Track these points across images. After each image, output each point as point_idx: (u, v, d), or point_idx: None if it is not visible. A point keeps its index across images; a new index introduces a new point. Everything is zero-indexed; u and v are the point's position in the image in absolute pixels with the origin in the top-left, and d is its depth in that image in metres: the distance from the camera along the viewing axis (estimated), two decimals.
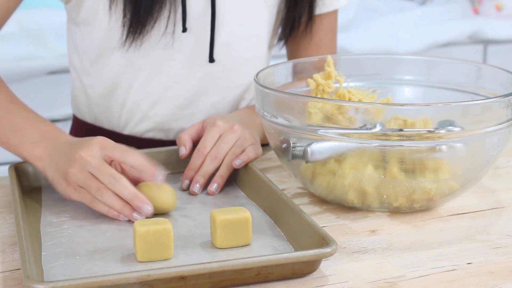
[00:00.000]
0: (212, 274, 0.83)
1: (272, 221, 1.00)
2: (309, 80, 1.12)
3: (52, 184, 1.04)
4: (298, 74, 1.19)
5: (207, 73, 1.27)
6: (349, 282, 0.86)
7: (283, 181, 1.16)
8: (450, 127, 0.96)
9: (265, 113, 1.06)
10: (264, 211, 1.03)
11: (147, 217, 0.99)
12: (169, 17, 1.21)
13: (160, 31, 1.22)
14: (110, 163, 1.01)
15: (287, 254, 0.85)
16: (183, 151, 1.15)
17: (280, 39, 1.34)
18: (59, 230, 0.97)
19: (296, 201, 1.08)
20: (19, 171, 1.11)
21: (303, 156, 0.99)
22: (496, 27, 2.91)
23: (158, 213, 1.01)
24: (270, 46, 1.34)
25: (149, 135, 1.31)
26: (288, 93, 1.05)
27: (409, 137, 0.96)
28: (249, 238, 0.93)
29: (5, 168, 1.22)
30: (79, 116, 1.35)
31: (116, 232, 0.97)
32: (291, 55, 1.38)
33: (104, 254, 0.91)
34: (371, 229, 1.00)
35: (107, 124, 1.31)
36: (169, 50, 1.23)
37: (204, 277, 0.83)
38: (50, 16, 2.55)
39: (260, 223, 0.99)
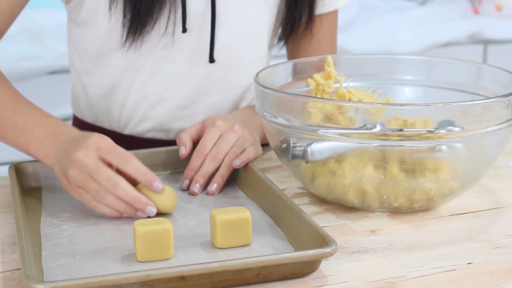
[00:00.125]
0: (212, 274, 0.83)
1: (272, 221, 1.00)
2: (309, 80, 1.12)
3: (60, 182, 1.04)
4: (298, 74, 1.19)
5: (207, 73, 1.27)
6: (349, 282, 0.86)
7: (283, 181, 1.16)
8: (450, 127, 0.96)
9: (265, 113, 1.06)
10: (264, 211, 1.03)
11: (149, 217, 0.99)
12: (169, 17, 1.21)
13: (160, 31, 1.22)
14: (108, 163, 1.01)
15: (287, 254, 0.85)
16: (183, 151, 1.15)
17: (280, 39, 1.34)
18: (59, 230, 0.97)
19: (296, 201, 1.08)
20: (19, 171, 1.11)
21: (303, 156, 0.99)
22: (496, 27, 2.91)
23: (158, 214, 1.01)
24: (270, 46, 1.34)
25: (150, 135, 1.31)
26: (288, 93, 1.05)
27: (409, 137, 0.96)
28: (249, 238, 0.93)
29: (5, 168, 1.22)
30: (79, 116, 1.35)
31: (116, 232, 0.97)
32: (291, 55, 1.38)
33: (104, 254, 0.91)
34: (371, 229, 1.00)
35: (107, 124, 1.31)
36: (169, 50, 1.23)
37: (204, 277, 0.83)
38: (50, 16, 2.55)
39: (260, 223, 0.99)
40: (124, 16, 1.20)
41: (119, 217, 1.00)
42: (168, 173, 1.17)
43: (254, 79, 1.08)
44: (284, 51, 1.39)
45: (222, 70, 1.27)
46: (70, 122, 1.44)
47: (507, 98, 0.99)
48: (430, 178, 1.00)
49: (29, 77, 2.36)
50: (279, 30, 1.34)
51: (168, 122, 1.30)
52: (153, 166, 1.14)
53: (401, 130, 0.96)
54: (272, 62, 1.27)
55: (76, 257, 0.90)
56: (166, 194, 1.01)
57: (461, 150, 1.00)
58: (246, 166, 1.12)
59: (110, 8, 1.20)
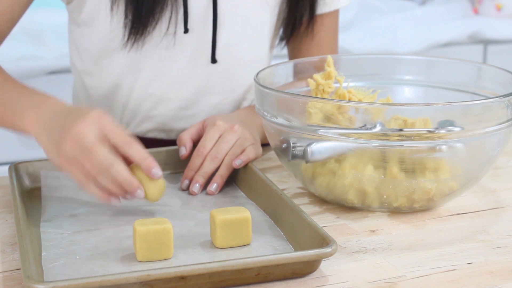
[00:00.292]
0: (212, 274, 0.83)
1: (272, 221, 1.00)
2: (309, 80, 1.12)
3: (45, 152, 0.99)
4: (298, 74, 1.19)
5: (209, 73, 1.27)
6: (349, 282, 0.86)
7: (283, 181, 1.16)
8: (450, 127, 0.96)
9: (265, 113, 1.06)
10: (264, 211, 1.03)
11: (147, 218, 0.98)
12: (170, 18, 1.21)
13: (162, 32, 1.22)
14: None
15: (287, 254, 0.85)
16: (183, 151, 1.15)
17: (281, 39, 1.34)
18: (59, 230, 0.97)
19: (296, 201, 1.08)
20: (19, 171, 1.11)
21: (303, 156, 0.99)
22: (496, 27, 2.90)
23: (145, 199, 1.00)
24: (272, 47, 1.34)
25: (151, 135, 1.31)
26: (288, 93, 1.05)
27: (409, 137, 0.96)
28: (249, 238, 0.93)
29: (5, 168, 1.22)
30: None
31: (116, 232, 0.97)
32: (292, 55, 1.38)
33: (104, 254, 0.91)
34: (371, 229, 1.00)
35: None
36: (170, 51, 1.24)
37: (204, 277, 0.83)
38: (50, 16, 2.54)
39: (260, 223, 0.99)
40: (126, 17, 1.20)
41: (106, 202, 0.96)
42: (168, 173, 1.17)
43: (254, 79, 1.08)
44: (285, 51, 1.39)
45: (223, 70, 1.27)
46: None
47: (507, 98, 0.99)
48: (430, 178, 1.00)
49: (29, 77, 2.35)
50: (281, 30, 1.34)
51: (170, 122, 1.30)
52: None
53: (401, 130, 0.96)
54: (274, 62, 1.27)
55: (76, 257, 0.90)
56: (155, 183, 0.99)
57: (461, 150, 1.00)
58: (246, 166, 1.12)
59: (111, 9, 1.20)
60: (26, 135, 1.03)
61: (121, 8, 1.20)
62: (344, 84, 1.14)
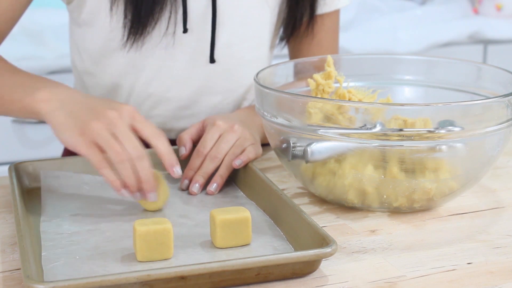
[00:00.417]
0: (212, 274, 0.83)
1: (272, 221, 1.00)
2: (309, 80, 1.12)
3: (54, 129, 0.99)
4: (298, 74, 1.19)
5: (208, 73, 1.27)
6: (349, 282, 0.86)
7: (283, 181, 1.16)
8: (450, 127, 0.96)
9: (265, 113, 1.06)
10: (264, 211, 1.03)
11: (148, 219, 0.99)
12: (170, 17, 1.21)
13: (161, 31, 1.22)
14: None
15: (287, 254, 0.85)
16: (183, 151, 1.15)
17: (281, 39, 1.34)
18: (59, 230, 0.97)
19: (296, 201, 1.08)
20: (19, 171, 1.11)
21: (303, 156, 0.99)
22: (496, 27, 2.90)
23: (148, 210, 1.02)
24: (272, 47, 1.34)
25: None
26: (288, 93, 1.05)
27: (409, 137, 0.96)
28: (249, 238, 0.93)
29: (5, 168, 1.22)
30: None
31: (116, 232, 0.97)
32: (293, 55, 1.38)
33: (104, 254, 0.91)
34: (371, 229, 1.00)
35: None
36: (170, 50, 1.24)
37: (204, 277, 0.83)
38: (50, 16, 2.54)
39: (260, 223, 0.99)
40: (125, 17, 1.20)
41: (116, 190, 0.97)
42: (168, 173, 1.17)
43: (254, 79, 1.08)
44: (286, 51, 1.39)
45: (223, 70, 1.27)
46: None
47: (507, 98, 0.99)
48: (430, 178, 1.00)
49: None
50: (281, 30, 1.34)
51: (170, 122, 1.30)
52: (153, 166, 1.13)
53: (401, 130, 0.96)
54: (274, 62, 1.27)
55: (76, 257, 0.90)
56: (163, 193, 1.01)
57: (461, 150, 1.00)
58: (246, 166, 1.12)
59: (111, 9, 1.20)
60: (34, 114, 1.02)
61: (120, 8, 1.20)
62: (344, 84, 1.14)
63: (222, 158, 1.11)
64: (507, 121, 1.00)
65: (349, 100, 1.10)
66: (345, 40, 2.65)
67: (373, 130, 0.96)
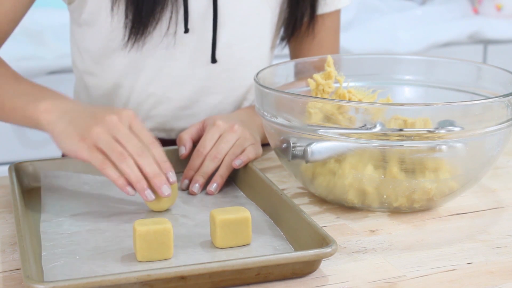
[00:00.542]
0: (212, 274, 0.83)
1: (272, 221, 1.00)
2: (309, 80, 1.12)
3: (55, 139, 1.01)
4: (298, 74, 1.19)
5: (209, 73, 1.27)
6: (349, 282, 0.86)
7: (283, 181, 1.16)
8: (450, 127, 0.96)
9: (265, 113, 1.06)
10: (264, 211, 1.03)
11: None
12: (171, 17, 1.21)
13: (162, 31, 1.22)
14: None
15: (287, 254, 0.85)
16: (183, 151, 1.15)
17: (282, 39, 1.34)
18: (59, 230, 0.97)
19: (296, 201, 1.08)
20: (19, 171, 1.11)
21: (303, 156, 0.99)
22: (496, 27, 2.90)
23: (155, 211, 1.01)
24: (273, 47, 1.34)
25: None
26: (288, 93, 1.05)
27: (409, 137, 0.96)
28: (249, 238, 0.93)
29: (5, 168, 1.22)
30: None
31: (116, 232, 0.97)
32: (293, 55, 1.38)
33: (104, 254, 0.91)
34: (371, 229, 1.00)
35: None
36: (171, 50, 1.24)
37: (204, 277, 0.83)
38: (50, 16, 2.54)
39: (260, 223, 0.99)
40: (126, 17, 1.20)
41: (121, 190, 0.98)
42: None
43: (254, 79, 1.08)
44: (286, 50, 1.39)
45: (224, 70, 1.27)
46: None
47: (507, 98, 0.99)
48: (430, 178, 1.00)
49: (29, 77, 2.34)
50: (281, 30, 1.34)
51: (170, 122, 1.30)
52: None
53: (401, 130, 0.96)
54: (275, 62, 1.27)
55: (76, 257, 0.90)
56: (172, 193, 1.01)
57: (461, 150, 1.00)
58: (246, 166, 1.12)
59: (112, 9, 1.20)
60: (34, 124, 1.05)
61: (121, 8, 1.20)
62: (344, 84, 1.14)
63: (222, 158, 1.11)
64: (507, 121, 1.00)
65: (349, 100, 1.10)
66: (345, 40, 2.65)
67: (373, 130, 0.96)
